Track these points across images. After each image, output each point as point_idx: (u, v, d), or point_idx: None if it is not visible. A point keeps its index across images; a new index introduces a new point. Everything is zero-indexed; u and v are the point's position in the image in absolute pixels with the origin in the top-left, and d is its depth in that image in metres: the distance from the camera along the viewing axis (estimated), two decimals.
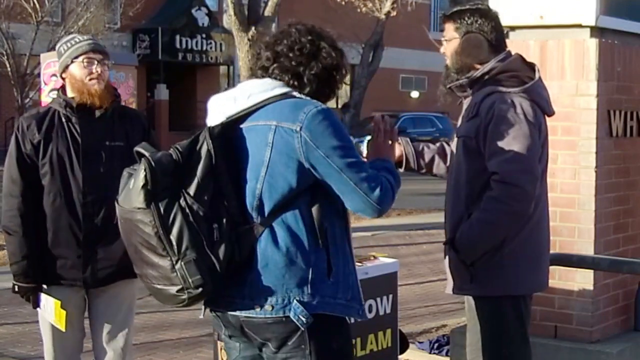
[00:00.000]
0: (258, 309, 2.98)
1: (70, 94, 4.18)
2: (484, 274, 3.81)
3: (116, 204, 3.03)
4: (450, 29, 3.94)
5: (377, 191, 3.00)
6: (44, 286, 4.18)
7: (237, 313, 3.02)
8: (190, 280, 2.89)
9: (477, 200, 3.80)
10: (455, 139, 3.97)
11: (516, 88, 3.82)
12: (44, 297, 4.15)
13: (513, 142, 3.72)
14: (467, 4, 3.99)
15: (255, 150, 3.02)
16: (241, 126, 3.05)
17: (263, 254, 2.99)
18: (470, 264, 3.80)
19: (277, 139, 2.99)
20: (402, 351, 4.90)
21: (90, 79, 4.11)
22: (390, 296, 4.72)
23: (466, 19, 3.89)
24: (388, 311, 4.70)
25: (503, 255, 3.81)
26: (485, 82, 3.87)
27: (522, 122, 3.76)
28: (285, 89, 3.07)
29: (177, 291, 2.93)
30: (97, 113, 4.15)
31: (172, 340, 6.96)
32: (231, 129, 3.04)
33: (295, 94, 3.08)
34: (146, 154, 2.95)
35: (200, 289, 2.90)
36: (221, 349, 4.33)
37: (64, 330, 4.15)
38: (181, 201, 2.91)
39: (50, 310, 4.14)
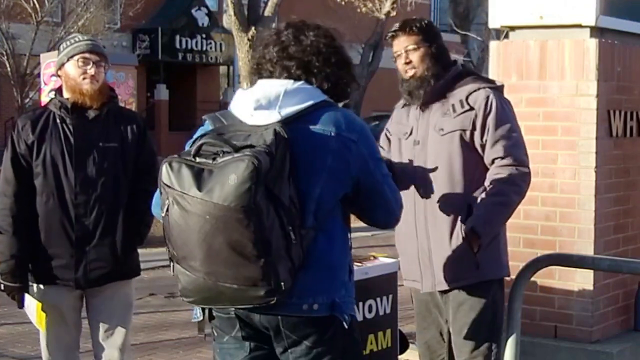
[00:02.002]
0: (305, 308, 3.01)
1: (65, 93, 4.19)
2: (486, 260, 3.98)
3: (187, 196, 2.84)
4: (412, 39, 4.04)
5: (400, 206, 3.18)
6: (41, 286, 4.21)
7: (278, 313, 3.03)
8: (281, 283, 2.89)
9: (475, 190, 3.95)
10: (438, 136, 4.01)
11: (495, 84, 4.12)
12: (27, 298, 4.19)
13: (513, 129, 4.00)
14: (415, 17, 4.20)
15: (315, 155, 3.01)
16: (299, 127, 3.02)
17: (316, 256, 3.02)
18: (476, 251, 3.92)
19: (339, 147, 3.02)
20: (402, 351, 4.90)
21: (84, 79, 4.12)
22: (390, 296, 4.72)
23: (427, 30, 4.07)
24: (388, 311, 4.70)
25: (499, 240, 4.06)
26: (454, 83, 4.03)
27: (513, 113, 4.09)
28: (325, 97, 3.10)
29: (266, 293, 2.89)
30: (92, 114, 4.16)
31: (172, 340, 6.96)
32: (289, 129, 2.99)
33: (331, 101, 3.12)
34: (226, 148, 2.86)
35: (284, 291, 2.92)
36: None
37: (43, 331, 4.21)
38: (273, 201, 2.86)
39: (32, 312, 4.19)
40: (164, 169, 2.91)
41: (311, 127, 3.03)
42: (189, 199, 2.85)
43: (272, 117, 3.00)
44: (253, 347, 3.14)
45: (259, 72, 3.18)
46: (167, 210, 2.92)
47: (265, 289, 2.89)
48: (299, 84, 3.08)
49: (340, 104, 3.22)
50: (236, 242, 2.83)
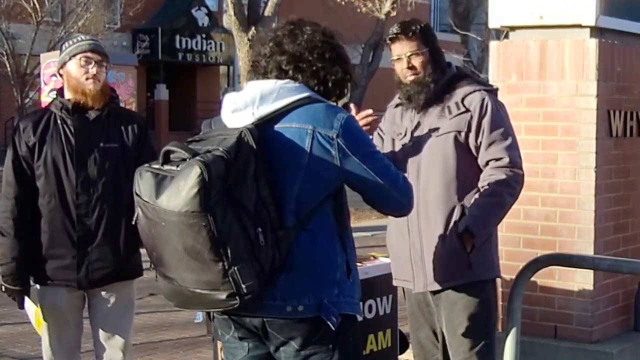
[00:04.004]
0: (289, 310, 2.98)
1: (66, 93, 4.20)
2: (478, 260, 4.00)
3: (148, 204, 2.87)
4: (414, 43, 4.02)
5: (409, 193, 3.12)
6: (43, 286, 4.21)
7: (263, 315, 3.01)
8: (243, 286, 2.84)
9: (469, 191, 3.98)
10: (433, 137, 4.02)
11: (490, 87, 4.14)
12: (27, 302, 4.22)
13: (508, 132, 4.04)
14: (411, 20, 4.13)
15: (292, 153, 2.99)
16: (274, 127, 3.01)
17: (298, 257, 2.99)
18: (469, 251, 3.94)
19: (315, 144, 2.98)
20: (402, 351, 4.91)
21: (86, 79, 4.13)
22: (390, 296, 4.73)
23: (427, 33, 4.06)
24: (388, 311, 4.71)
25: (492, 240, 4.09)
26: (450, 86, 4.05)
27: (507, 115, 4.12)
28: (310, 92, 3.06)
29: (228, 296, 2.86)
30: (93, 115, 4.16)
31: (172, 340, 6.96)
32: (264, 130, 2.99)
33: (318, 97, 3.07)
34: (185, 154, 2.84)
35: (251, 295, 2.88)
36: (221, 349, 4.33)
37: (41, 335, 4.25)
38: (233, 205, 2.83)
39: (32, 316, 4.24)
40: (135, 177, 2.94)
41: (288, 125, 3.00)
42: (149, 207, 2.88)
43: (247, 119, 3.01)
44: (252, 346, 3.13)
45: (254, 69, 3.17)
46: (137, 218, 2.96)
47: (227, 293, 2.87)
48: (282, 82, 3.05)
49: (340, 103, 3.21)
50: (192, 247, 2.82)
